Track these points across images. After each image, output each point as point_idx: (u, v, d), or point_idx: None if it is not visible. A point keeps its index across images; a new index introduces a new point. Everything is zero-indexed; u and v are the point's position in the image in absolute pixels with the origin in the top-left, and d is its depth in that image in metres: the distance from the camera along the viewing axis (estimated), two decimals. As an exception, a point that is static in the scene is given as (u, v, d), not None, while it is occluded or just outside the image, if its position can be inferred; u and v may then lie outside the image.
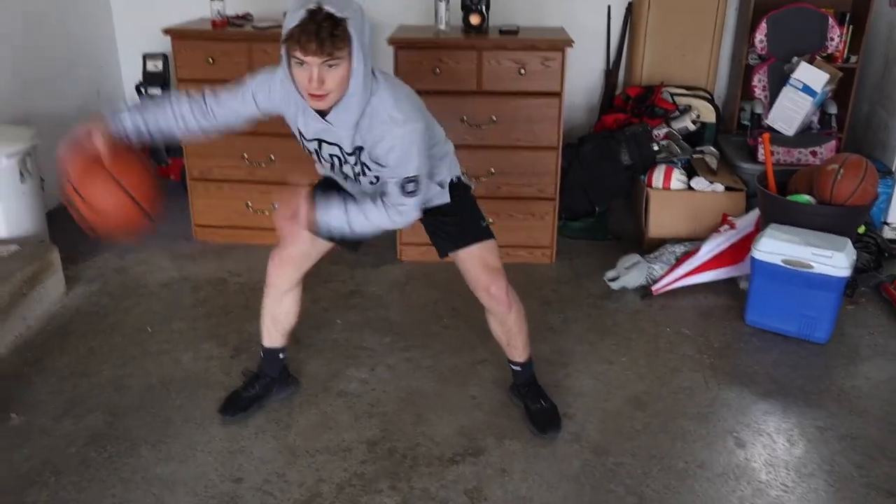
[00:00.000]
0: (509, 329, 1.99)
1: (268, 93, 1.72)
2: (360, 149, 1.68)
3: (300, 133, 1.75)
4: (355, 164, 1.72)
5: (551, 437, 1.98)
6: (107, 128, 1.66)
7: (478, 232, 1.91)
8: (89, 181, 1.62)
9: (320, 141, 1.72)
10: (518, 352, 2.05)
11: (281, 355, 2.12)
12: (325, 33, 1.46)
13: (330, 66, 1.51)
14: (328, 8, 1.47)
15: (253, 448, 1.95)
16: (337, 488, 1.81)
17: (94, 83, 3.72)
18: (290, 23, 1.49)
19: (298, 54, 1.49)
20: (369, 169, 1.72)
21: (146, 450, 1.93)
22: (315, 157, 1.80)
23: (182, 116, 1.75)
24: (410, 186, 1.65)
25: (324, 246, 1.94)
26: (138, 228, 1.72)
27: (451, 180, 1.89)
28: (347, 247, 1.97)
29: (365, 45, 1.55)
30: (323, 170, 1.90)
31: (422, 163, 1.67)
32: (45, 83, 3.34)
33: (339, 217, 1.69)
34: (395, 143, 1.62)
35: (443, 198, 1.87)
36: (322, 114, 1.63)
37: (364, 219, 1.69)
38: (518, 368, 2.07)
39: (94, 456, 1.90)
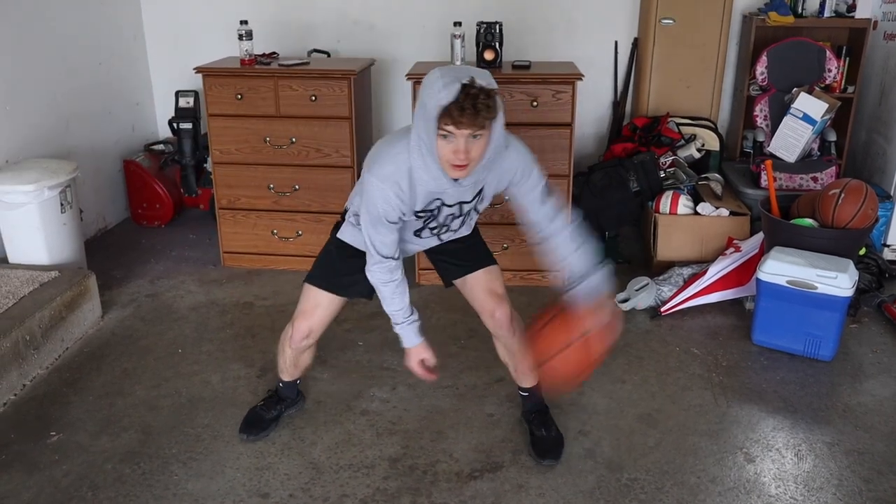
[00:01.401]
0: (514, 353, 2.02)
1: (401, 199, 1.68)
2: (482, 189, 1.77)
3: (420, 210, 1.75)
4: (473, 205, 1.80)
5: (549, 464, 2.00)
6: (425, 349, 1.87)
7: (488, 257, 1.99)
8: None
9: (442, 203, 1.75)
10: (524, 377, 2.07)
11: (298, 382, 2.20)
12: (480, 107, 1.49)
13: (475, 136, 1.55)
14: (480, 82, 1.51)
15: (279, 464, 2.01)
16: (360, 503, 1.87)
17: (129, 119, 3.90)
18: (443, 97, 1.49)
19: (450, 128, 1.52)
20: (479, 204, 1.82)
21: (177, 467, 2.00)
22: (425, 222, 1.81)
23: (402, 278, 1.82)
24: (545, 183, 1.80)
25: (340, 308, 2.01)
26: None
27: None
28: (367, 297, 1.99)
29: (504, 114, 1.60)
30: (406, 234, 1.88)
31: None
32: (85, 120, 3.51)
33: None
34: (523, 159, 1.74)
35: (476, 218, 1.97)
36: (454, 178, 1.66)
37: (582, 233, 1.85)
38: (525, 394, 2.11)
39: (128, 472, 1.97)
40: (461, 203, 1.79)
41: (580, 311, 1.79)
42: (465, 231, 1.96)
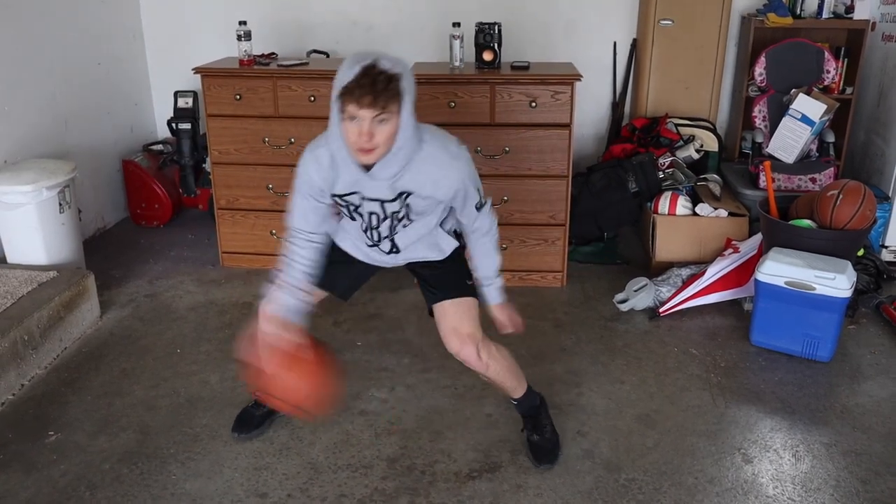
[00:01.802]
0: (492, 380, 1.97)
1: (320, 174, 1.71)
2: (406, 194, 1.72)
3: (339, 196, 1.76)
4: (399, 210, 1.75)
5: (545, 468, 1.99)
6: (283, 323, 1.78)
7: (459, 288, 1.91)
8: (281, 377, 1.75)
9: (361, 196, 1.74)
10: (509, 392, 2.03)
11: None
12: (380, 87, 1.50)
13: (381, 121, 1.54)
14: (383, 64, 1.52)
15: (277, 464, 2.01)
16: (358, 503, 1.88)
17: (128, 119, 3.90)
18: (345, 78, 1.52)
19: (352, 108, 1.52)
20: (411, 212, 1.77)
21: (175, 466, 2.00)
22: (353, 215, 1.81)
23: (310, 258, 1.83)
24: (482, 200, 1.82)
25: (318, 297, 1.97)
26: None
27: (456, 230, 1.94)
28: (339, 296, 2.01)
29: (413, 100, 1.60)
30: (346, 236, 1.92)
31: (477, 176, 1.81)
32: (84, 120, 3.51)
33: (499, 262, 1.91)
34: (461, 175, 1.73)
35: (454, 243, 1.93)
36: (366, 168, 1.66)
37: (496, 246, 1.91)
38: (515, 403, 2.07)
39: (126, 472, 1.97)
40: (382, 202, 1.74)
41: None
42: (431, 252, 1.90)
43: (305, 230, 1.82)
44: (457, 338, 1.88)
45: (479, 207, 1.82)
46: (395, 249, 1.88)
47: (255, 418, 2.14)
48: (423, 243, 1.89)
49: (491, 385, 2.03)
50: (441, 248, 1.91)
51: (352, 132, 1.57)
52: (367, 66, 1.51)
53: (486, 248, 1.89)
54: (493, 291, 1.92)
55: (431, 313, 1.96)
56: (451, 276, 1.93)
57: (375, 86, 1.50)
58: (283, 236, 1.86)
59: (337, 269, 1.95)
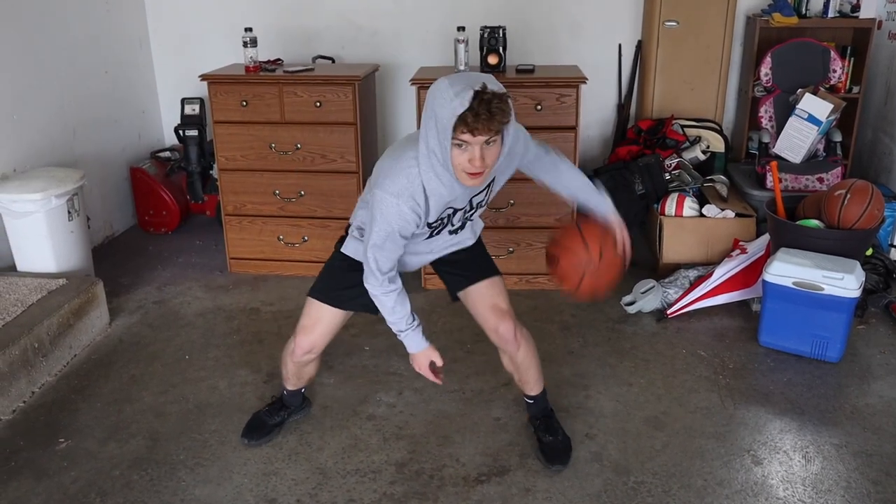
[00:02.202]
0: (519, 365, 2.00)
1: (417, 213, 1.66)
2: (491, 181, 1.77)
3: (432, 223, 1.73)
4: (483, 199, 1.79)
5: (557, 469, 2.00)
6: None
7: (490, 268, 1.96)
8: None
9: (454, 210, 1.74)
10: (529, 386, 2.06)
11: (302, 390, 2.20)
12: (496, 111, 1.47)
13: (490, 143, 1.53)
14: (492, 87, 1.48)
15: (286, 470, 2.02)
16: (368, 508, 1.88)
17: (136, 127, 3.93)
18: (457, 106, 1.46)
19: (466, 136, 1.49)
20: (490, 193, 1.82)
21: (185, 472, 2.01)
22: (430, 232, 1.78)
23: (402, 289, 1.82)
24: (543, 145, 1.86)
25: (346, 318, 1.99)
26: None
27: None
28: (373, 311, 1.94)
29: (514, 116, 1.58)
30: (416, 242, 1.85)
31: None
32: (92, 128, 3.54)
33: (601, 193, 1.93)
34: (523, 133, 1.76)
35: (481, 225, 1.98)
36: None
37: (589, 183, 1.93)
38: (530, 401, 2.09)
39: (136, 479, 1.98)
40: (472, 201, 1.78)
41: (596, 226, 1.84)
42: (469, 237, 1.95)
43: (394, 269, 1.77)
44: (496, 314, 1.91)
45: (546, 151, 1.85)
46: (461, 230, 1.90)
47: (266, 426, 2.15)
48: (469, 229, 1.92)
49: (513, 372, 2.04)
50: (476, 231, 1.97)
51: (462, 159, 1.54)
52: (479, 92, 1.47)
53: (574, 172, 1.92)
54: (606, 206, 1.88)
55: (455, 298, 1.99)
56: (482, 258, 1.98)
57: (491, 111, 1.47)
58: (378, 284, 1.77)
59: (358, 287, 1.88)
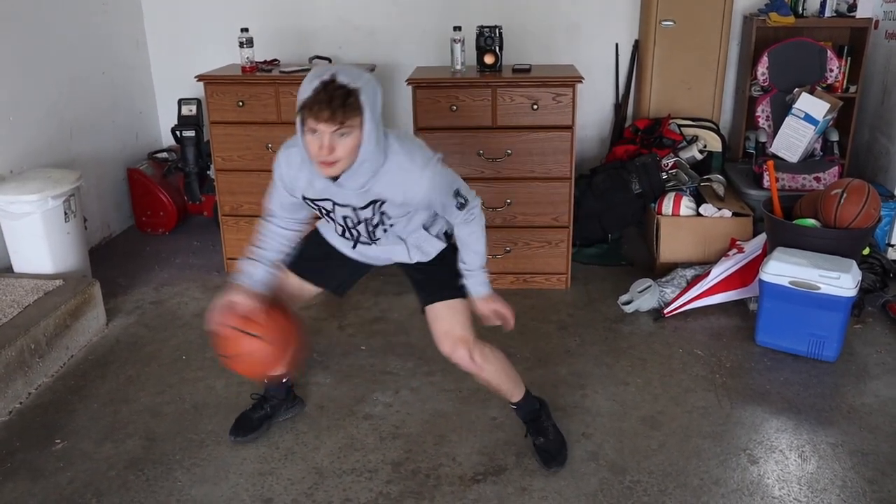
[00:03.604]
0: (488, 382, 1.97)
1: (289, 171, 1.75)
2: (377, 202, 1.73)
3: (311, 199, 1.79)
4: (372, 216, 1.77)
5: (554, 470, 1.99)
6: (248, 292, 1.84)
7: (449, 289, 1.89)
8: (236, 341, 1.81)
9: (333, 203, 1.76)
10: (507, 395, 2.02)
11: (284, 379, 2.18)
12: (337, 102, 1.51)
13: (341, 134, 1.55)
14: (341, 79, 1.52)
15: (282, 469, 2.02)
16: (363, 507, 1.88)
17: (133, 127, 3.93)
18: (304, 93, 1.54)
19: (311, 122, 1.54)
20: (388, 218, 1.78)
21: (181, 473, 2.01)
22: (327, 218, 1.85)
23: (284, 237, 1.90)
24: (461, 200, 1.79)
25: (310, 292, 1.99)
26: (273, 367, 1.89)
27: (447, 231, 1.94)
28: (334, 291, 2.03)
29: (376, 115, 1.60)
30: (333, 232, 1.94)
31: (454, 179, 1.80)
32: (89, 129, 3.54)
33: (483, 250, 1.89)
34: (431, 184, 1.71)
35: (441, 244, 1.92)
36: (333, 178, 1.68)
37: (480, 233, 1.88)
38: (514, 407, 2.06)
39: (133, 479, 1.98)
40: (354, 208, 1.75)
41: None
42: (402, 252, 1.90)
43: (281, 215, 1.88)
44: (449, 341, 1.88)
45: (460, 207, 1.81)
46: (373, 246, 1.90)
47: (252, 422, 2.16)
48: (405, 245, 1.89)
49: (487, 387, 2.02)
50: (425, 250, 1.91)
51: (313, 145, 1.58)
52: (325, 82, 1.52)
53: (468, 237, 1.86)
54: (473, 282, 1.87)
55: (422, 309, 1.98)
56: (442, 278, 1.91)
57: (333, 101, 1.51)
58: (261, 216, 1.90)
59: (329, 265, 1.97)
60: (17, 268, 2.87)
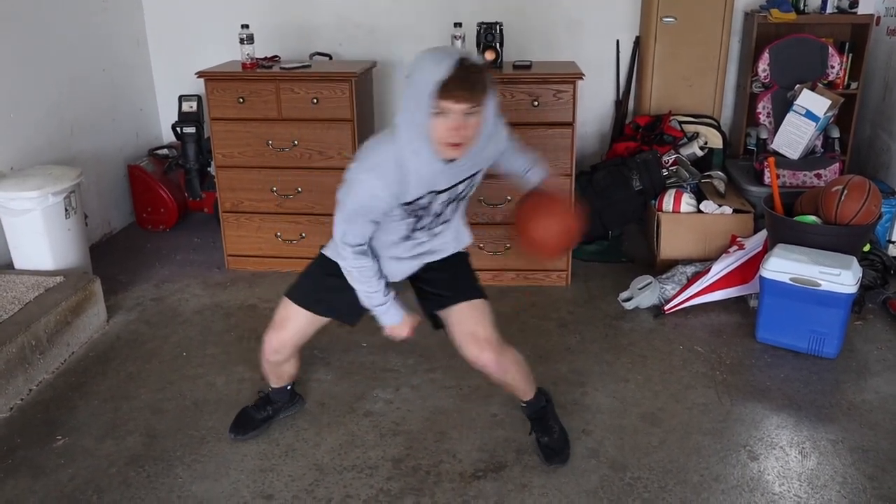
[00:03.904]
0: (507, 384, 1.97)
1: (389, 190, 1.62)
2: (476, 173, 1.77)
3: (409, 203, 1.68)
4: (464, 190, 1.78)
5: (556, 467, 1.99)
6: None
7: (473, 289, 1.87)
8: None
9: (435, 192, 1.69)
10: (520, 393, 2.02)
11: (288, 387, 2.18)
12: (475, 80, 1.49)
13: (470, 114, 1.53)
14: (473, 58, 1.54)
15: (283, 466, 2.02)
16: (364, 504, 1.89)
17: (133, 124, 3.93)
18: (437, 74, 1.48)
19: (448, 104, 1.49)
20: (472, 188, 1.82)
21: (182, 469, 2.01)
22: (416, 216, 1.74)
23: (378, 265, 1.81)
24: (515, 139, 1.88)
25: (320, 324, 1.94)
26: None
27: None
28: (347, 321, 1.96)
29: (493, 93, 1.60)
30: (394, 238, 1.82)
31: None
32: (89, 126, 3.53)
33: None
34: (505, 137, 1.81)
35: (468, 237, 1.91)
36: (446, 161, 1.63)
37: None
38: (524, 405, 2.06)
39: (133, 476, 1.98)
40: (454, 187, 1.73)
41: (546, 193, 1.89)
42: (451, 243, 1.89)
43: (364, 244, 1.75)
44: (475, 343, 1.83)
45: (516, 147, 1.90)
46: (443, 226, 1.86)
47: (254, 421, 2.15)
48: (452, 231, 1.88)
49: (503, 386, 2.02)
50: (461, 238, 1.92)
51: (442, 127, 1.53)
52: (460, 60, 1.50)
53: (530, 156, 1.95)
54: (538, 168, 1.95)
55: (435, 323, 1.93)
56: (464, 277, 1.89)
57: (470, 79, 1.49)
58: (347, 256, 1.76)
59: (338, 292, 1.88)
60: (17, 264, 2.87)
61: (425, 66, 1.51)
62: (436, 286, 1.90)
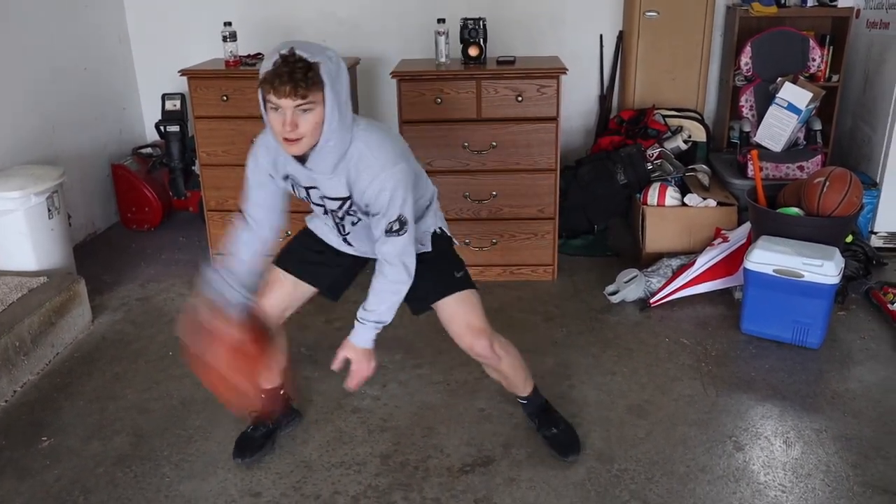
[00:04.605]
0: (503, 374, 1.97)
1: (267, 155, 1.70)
2: (348, 199, 1.69)
3: (290, 177, 1.73)
4: (337, 209, 1.73)
5: (572, 459, 1.99)
6: (225, 314, 1.72)
7: (452, 283, 1.85)
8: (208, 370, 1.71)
9: (307, 187, 1.73)
10: (518, 389, 2.03)
11: (281, 391, 2.13)
12: (298, 75, 1.47)
13: (304, 110, 1.51)
14: (300, 52, 1.50)
15: (271, 463, 2.02)
16: (352, 500, 1.88)
17: (116, 123, 3.90)
18: (264, 67, 1.52)
19: (272, 97, 1.50)
20: (356, 217, 1.74)
21: (169, 468, 2.00)
22: (308, 201, 1.80)
23: (253, 241, 1.79)
24: (396, 226, 1.65)
25: (305, 293, 1.93)
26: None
27: (435, 231, 1.87)
28: (329, 294, 1.96)
29: (340, 91, 1.56)
30: (324, 224, 1.91)
31: (409, 205, 1.66)
32: (72, 125, 3.50)
33: (386, 313, 1.75)
34: (382, 186, 1.62)
35: (424, 248, 1.85)
36: (301, 161, 1.64)
37: (392, 293, 1.74)
38: (524, 402, 2.07)
39: (120, 476, 1.98)
40: (324, 197, 1.71)
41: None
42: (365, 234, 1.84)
43: (258, 217, 1.78)
44: (470, 333, 1.84)
45: (388, 231, 1.66)
46: (346, 241, 1.85)
47: (255, 441, 2.06)
48: (366, 238, 1.83)
49: (501, 381, 2.02)
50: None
51: (276, 122, 1.54)
52: (284, 55, 1.49)
53: (382, 285, 1.73)
54: (360, 331, 1.76)
55: (415, 312, 1.93)
56: (443, 275, 1.86)
57: (293, 74, 1.47)
58: (236, 217, 1.84)
59: (323, 262, 1.93)
60: (0, 265, 2.84)
61: (262, 62, 1.55)
62: (416, 283, 1.84)
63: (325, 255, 1.93)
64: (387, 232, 1.67)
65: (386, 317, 1.76)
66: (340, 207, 1.73)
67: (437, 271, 1.86)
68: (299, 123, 1.53)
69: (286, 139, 1.55)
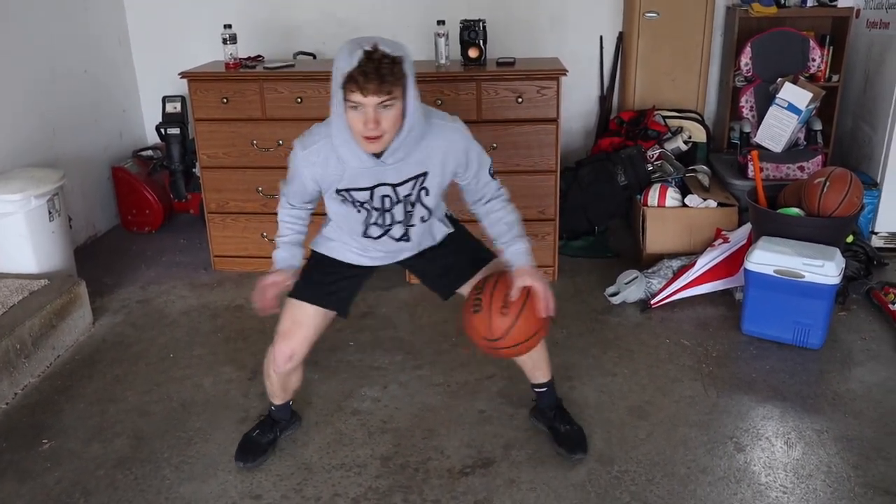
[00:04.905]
0: (527, 356, 1.92)
1: (311, 170, 1.71)
2: (420, 176, 1.70)
3: (344, 190, 1.72)
4: (410, 192, 1.72)
5: (579, 457, 1.99)
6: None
7: (485, 252, 1.90)
8: None
9: (372, 186, 1.70)
10: (542, 371, 2.02)
11: (290, 403, 2.13)
12: (385, 71, 1.46)
13: (385, 106, 1.51)
14: (384, 48, 1.48)
15: (271, 465, 2.02)
16: (352, 502, 1.88)
17: (117, 125, 3.90)
18: (347, 65, 1.48)
19: (357, 97, 1.48)
20: (427, 195, 1.74)
21: (170, 471, 2.00)
22: (357, 208, 1.75)
23: (303, 219, 1.89)
24: (493, 168, 1.78)
25: (328, 320, 1.93)
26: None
27: (448, 214, 1.94)
28: (341, 313, 1.97)
29: (415, 82, 1.57)
30: (344, 232, 1.87)
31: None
32: (72, 128, 3.51)
33: (525, 246, 1.79)
34: (465, 140, 1.71)
35: (446, 228, 1.90)
36: (376, 155, 1.63)
37: (516, 212, 1.84)
38: (544, 389, 2.05)
39: (121, 478, 1.98)
40: (394, 186, 1.71)
41: (517, 276, 1.76)
42: (427, 237, 1.88)
43: (294, 205, 1.86)
44: None
45: (493, 175, 1.81)
46: (405, 237, 1.83)
47: (260, 446, 2.05)
48: (422, 229, 1.86)
49: (525, 364, 1.99)
50: (434, 235, 1.90)
51: (357, 121, 1.53)
52: (369, 52, 1.47)
53: (502, 210, 1.83)
54: (516, 250, 1.78)
55: (448, 295, 1.95)
56: (473, 247, 1.92)
57: (380, 71, 1.46)
58: (280, 205, 1.89)
59: (339, 286, 1.90)
60: (1, 268, 2.84)
61: (339, 57, 1.51)
62: (447, 263, 1.90)
63: (337, 276, 1.90)
64: (492, 175, 1.79)
65: (524, 232, 1.84)
66: (414, 186, 1.72)
67: (468, 247, 1.93)
68: (381, 120, 1.53)
69: (367, 137, 1.55)
